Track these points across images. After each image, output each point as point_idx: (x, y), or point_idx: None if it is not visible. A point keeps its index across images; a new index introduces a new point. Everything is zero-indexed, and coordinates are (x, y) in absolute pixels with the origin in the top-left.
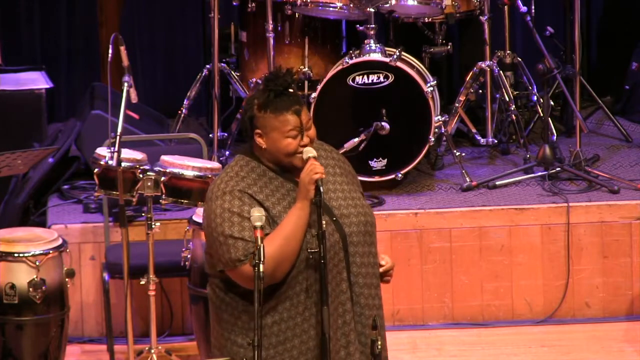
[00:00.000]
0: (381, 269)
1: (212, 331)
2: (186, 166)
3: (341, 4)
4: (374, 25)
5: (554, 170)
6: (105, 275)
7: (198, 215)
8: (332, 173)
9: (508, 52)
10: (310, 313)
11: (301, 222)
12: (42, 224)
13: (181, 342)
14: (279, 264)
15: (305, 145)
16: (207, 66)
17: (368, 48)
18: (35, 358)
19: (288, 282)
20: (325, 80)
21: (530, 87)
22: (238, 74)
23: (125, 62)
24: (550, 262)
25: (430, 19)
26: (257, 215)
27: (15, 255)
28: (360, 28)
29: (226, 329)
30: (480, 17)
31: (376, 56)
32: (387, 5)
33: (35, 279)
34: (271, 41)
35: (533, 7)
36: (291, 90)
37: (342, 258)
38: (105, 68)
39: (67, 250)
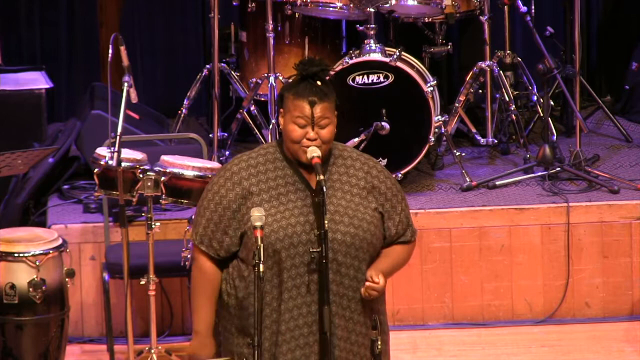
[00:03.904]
0: (367, 283)
1: (221, 331)
2: (186, 166)
3: (341, 4)
4: (374, 25)
5: (554, 170)
6: (105, 275)
7: None
8: (350, 183)
9: (508, 52)
10: (308, 311)
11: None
12: (42, 224)
13: (181, 342)
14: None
15: (313, 140)
16: (207, 66)
17: (368, 48)
18: (35, 358)
19: (289, 282)
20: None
21: (530, 87)
22: (238, 74)
23: (125, 62)
24: (550, 262)
25: (430, 19)
26: (257, 215)
27: (15, 255)
28: (360, 28)
29: (224, 329)
30: (480, 17)
31: (376, 56)
32: (387, 5)
33: (35, 279)
34: (271, 41)
35: (533, 7)
36: (319, 82)
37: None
38: (105, 68)
39: (67, 250)
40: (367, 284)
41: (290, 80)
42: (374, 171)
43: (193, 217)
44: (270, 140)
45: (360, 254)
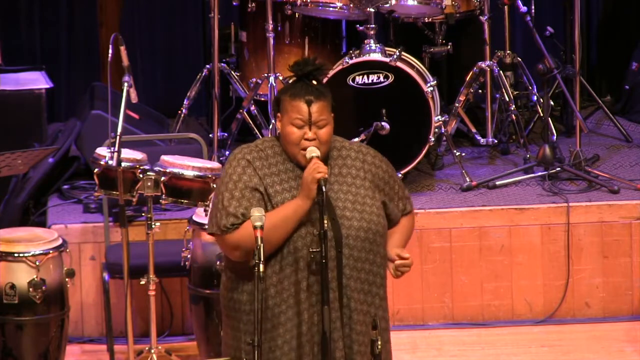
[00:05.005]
0: (397, 261)
1: (223, 329)
2: (186, 166)
3: (341, 4)
4: (374, 25)
5: (554, 170)
6: (105, 275)
7: (198, 215)
8: (351, 175)
9: (508, 52)
10: (310, 313)
11: (295, 216)
12: (42, 224)
13: (181, 342)
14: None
15: (312, 140)
16: (207, 66)
17: (368, 48)
18: (35, 358)
19: (288, 282)
20: (325, 80)
21: (530, 87)
22: (238, 74)
23: (125, 62)
24: (550, 262)
25: (430, 19)
26: (257, 215)
27: (15, 255)
28: (360, 28)
29: (233, 328)
30: (480, 17)
31: (376, 56)
32: (387, 5)
33: (35, 279)
34: (271, 41)
35: (533, 7)
36: (315, 82)
37: (333, 257)
38: (105, 68)
39: (67, 250)
40: (397, 262)
41: (286, 84)
42: (369, 157)
43: (203, 210)
44: None
45: (374, 247)
